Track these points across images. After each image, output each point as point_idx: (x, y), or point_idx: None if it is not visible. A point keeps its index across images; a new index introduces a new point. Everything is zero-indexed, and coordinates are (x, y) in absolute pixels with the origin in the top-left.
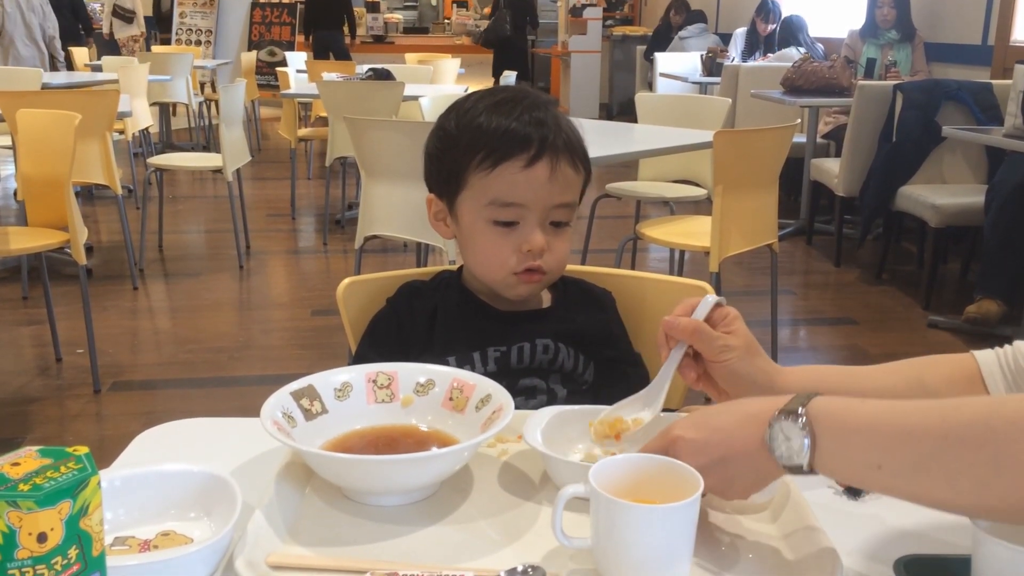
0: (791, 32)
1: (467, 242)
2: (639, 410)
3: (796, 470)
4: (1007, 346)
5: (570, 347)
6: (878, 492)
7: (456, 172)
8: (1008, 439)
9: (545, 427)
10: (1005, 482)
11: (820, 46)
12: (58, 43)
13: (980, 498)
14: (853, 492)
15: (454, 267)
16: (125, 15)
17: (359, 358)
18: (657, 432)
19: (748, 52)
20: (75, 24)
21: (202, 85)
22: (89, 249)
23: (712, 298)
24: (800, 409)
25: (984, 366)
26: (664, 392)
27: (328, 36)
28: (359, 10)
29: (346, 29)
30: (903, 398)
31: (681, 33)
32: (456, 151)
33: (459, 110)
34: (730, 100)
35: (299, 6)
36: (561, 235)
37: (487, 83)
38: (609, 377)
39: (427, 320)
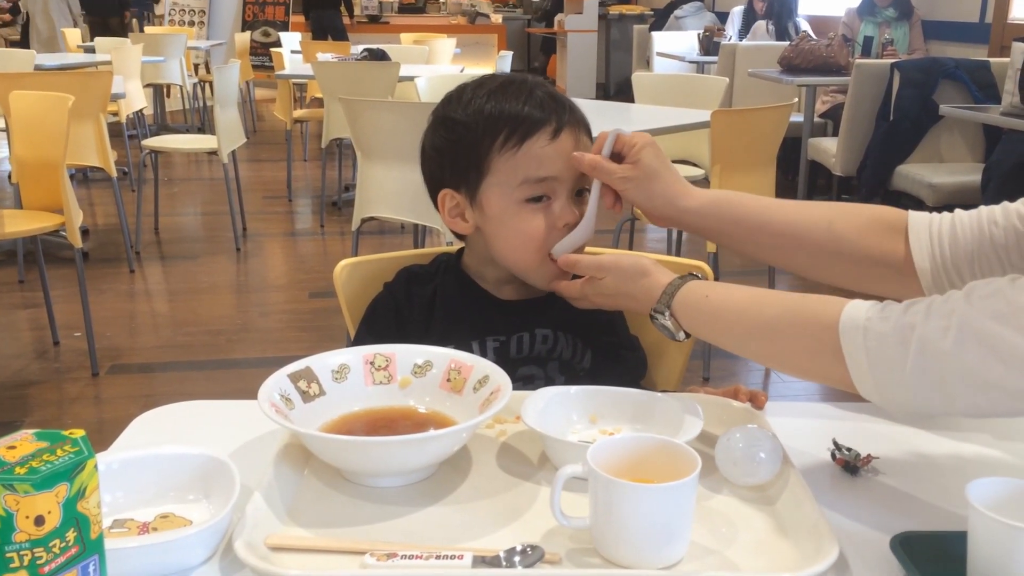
0: (770, 10)
1: (497, 230)
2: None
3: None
4: (945, 214)
5: (569, 335)
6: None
7: (476, 159)
8: (788, 338)
9: (543, 408)
10: (790, 367)
11: (794, 26)
12: (82, 21)
13: (784, 370)
14: (851, 469)
15: (452, 249)
16: None
17: (357, 344)
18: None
19: (745, 31)
20: (117, 2)
21: (196, 66)
22: (85, 232)
23: (614, 131)
24: (666, 313)
25: (913, 224)
26: (590, 220)
27: (325, 16)
28: None
29: (344, 9)
30: (807, 238)
31: (677, 12)
32: (472, 137)
33: (460, 100)
34: (727, 79)
35: None
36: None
37: (484, 64)
38: (607, 362)
39: (426, 307)
